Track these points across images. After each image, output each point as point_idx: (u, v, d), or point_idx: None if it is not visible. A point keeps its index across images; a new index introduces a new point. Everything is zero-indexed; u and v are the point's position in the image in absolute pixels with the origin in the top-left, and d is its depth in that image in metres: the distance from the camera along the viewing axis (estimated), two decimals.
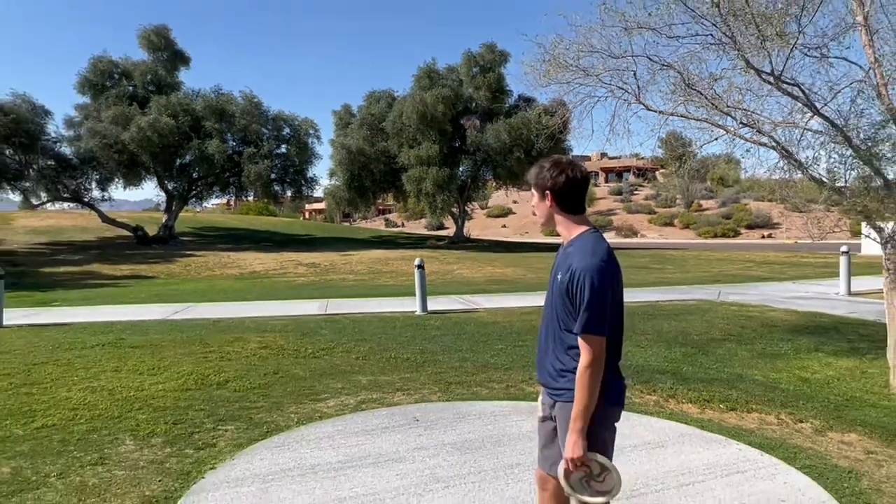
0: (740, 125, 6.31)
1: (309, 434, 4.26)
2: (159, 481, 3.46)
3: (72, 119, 28.18)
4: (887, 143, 5.91)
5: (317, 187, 32.62)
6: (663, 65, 6.42)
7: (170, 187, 29.61)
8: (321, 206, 63.71)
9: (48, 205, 29.78)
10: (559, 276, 2.15)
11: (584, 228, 2.18)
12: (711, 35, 6.00)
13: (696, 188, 57.98)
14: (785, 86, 5.85)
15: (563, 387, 2.14)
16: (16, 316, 9.58)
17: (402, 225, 70.12)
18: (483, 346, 7.24)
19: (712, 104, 6.23)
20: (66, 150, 27.12)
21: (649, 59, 6.48)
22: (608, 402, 2.13)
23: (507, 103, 32.34)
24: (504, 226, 63.49)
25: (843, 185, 6.19)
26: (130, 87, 28.62)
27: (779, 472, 3.58)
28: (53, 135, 26.80)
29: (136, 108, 26.48)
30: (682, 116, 6.66)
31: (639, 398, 5.09)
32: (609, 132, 7.33)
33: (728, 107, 6.25)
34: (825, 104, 6.01)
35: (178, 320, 9.33)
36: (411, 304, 10.38)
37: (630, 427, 4.27)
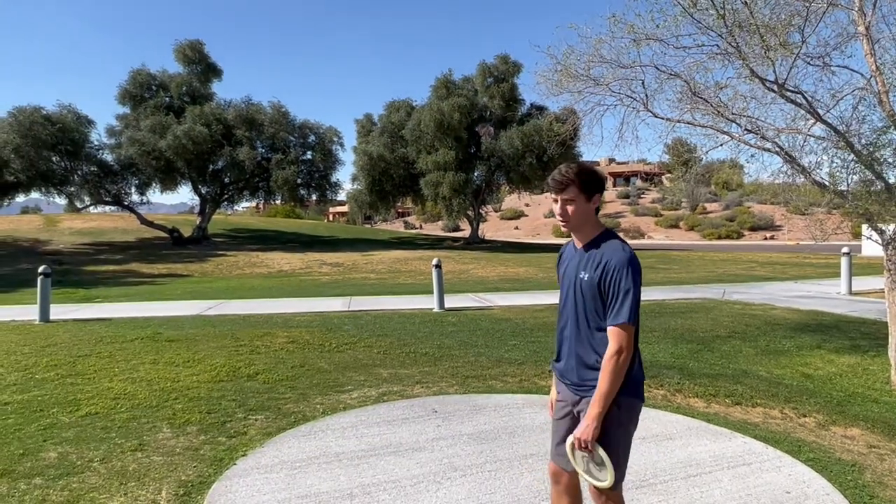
0: (745, 132, 6.23)
1: (334, 424, 4.28)
2: (194, 467, 3.49)
3: (113, 128, 28.60)
4: (888, 149, 5.80)
5: (340, 191, 32.86)
6: (670, 74, 6.35)
7: (203, 191, 29.93)
8: (344, 209, 63.94)
9: (91, 208, 30.29)
10: (584, 275, 2.11)
11: (604, 228, 2.19)
12: (717, 45, 5.93)
13: (700, 192, 57.36)
14: (788, 93, 5.76)
15: (593, 383, 2.10)
16: (61, 311, 9.73)
17: (420, 227, 70.19)
18: (497, 341, 7.22)
19: (718, 112, 6.16)
20: (108, 157, 27.56)
21: (657, 68, 6.42)
22: (638, 397, 2.13)
23: (520, 111, 32.27)
24: (517, 227, 63.33)
25: (845, 188, 6.08)
26: (167, 98, 28.99)
27: (784, 464, 3.52)
28: (96, 143, 27.26)
29: (172, 118, 26.82)
30: (688, 123, 6.59)
31: (647, 392, 5.01)
32: (618, 139, 7.28)
33: (733, 114, 6.18)
34: (828, 111, 5.92)
35: (210, 316, 9.41)
36: (429, 302, 10.38)
37: (639, 420, 4.22)
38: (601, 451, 2.07)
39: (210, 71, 30.36)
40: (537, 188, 33.83)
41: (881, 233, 5.83)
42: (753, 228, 49.30)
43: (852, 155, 5.79)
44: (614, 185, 76.06)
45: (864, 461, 3.59)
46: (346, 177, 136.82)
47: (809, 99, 5.80)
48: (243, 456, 3.67)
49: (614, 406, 2.06)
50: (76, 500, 3.06)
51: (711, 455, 3.65)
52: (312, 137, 30.33)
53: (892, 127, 5.47)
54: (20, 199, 28.53)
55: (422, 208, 45.84)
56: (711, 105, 6.12)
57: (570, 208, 2.13)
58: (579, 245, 2.21)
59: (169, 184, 29.57)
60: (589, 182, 2.12)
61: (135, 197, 28.90)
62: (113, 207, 30.06)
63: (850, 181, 6.13)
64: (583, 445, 2.05)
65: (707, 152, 6.94)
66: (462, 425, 4.23)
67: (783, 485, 3.23)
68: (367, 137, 33.94)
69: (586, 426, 2.03)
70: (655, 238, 51.07)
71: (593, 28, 6.66)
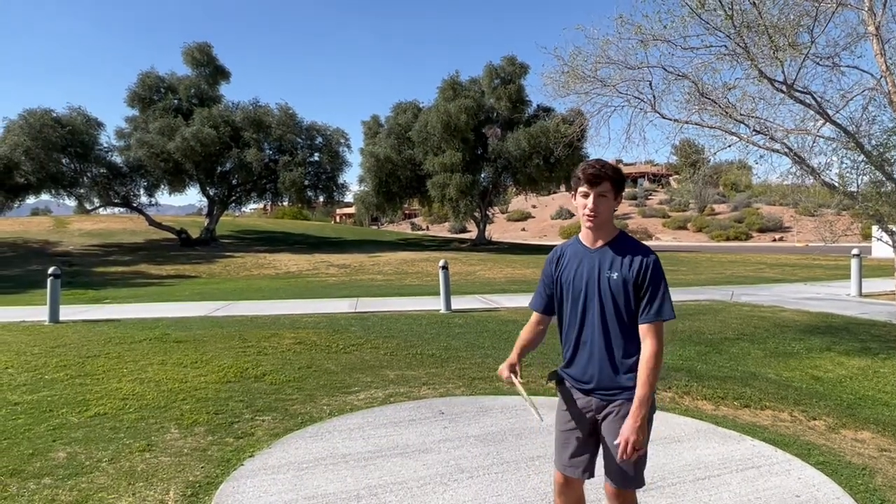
0: (753, 132, 6.20)
1: (340, 425, 4.28)
2: (202, 467, 3.50)
3: (122, 130, 28.81)
4: None
5: (347, 193, 32.88)
6: (678, 75, 6.33)
7: (211, 193, 30.08)
8: (351, 210, 64.05)
9: (100, 209, 30.49)
10: (614, 275, 2.08)
11: (619, 229, 2.20)
12: (725, 46, 5.91)
13: (708, 193, 57.11)
14: (797, 94, 5.73)
15: (624, 385, 2.11)
16: (71, 312, 9.79)
17: (427, 228, 70.22)
18: (504, 343, 7.20)
19: (726, 112, 6.13)
20: (117, 158, 27.72)
21: (665, 69, 6.40)
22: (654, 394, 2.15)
23: (527, 113, 32.24)
24: (523, 229, 63.25)
25: (855, 189, 6.04)
26: (175, 101, 29.14)
27: (793, 467, 3.49)
28: (105, 145, 27.44)
29: (180, 120, 26.96)
30: (696, 124, 6.57)
31: (655, 395, 5.01)
32: (625, 140, 7.27)
33: (741, 115, 6.15)
34: (837, 111, 5.88)
35: (218, 317, 9.45)
36: (436, 303, 10.38)
37: None
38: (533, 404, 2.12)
39: (218, 73, 30.51)
40: (544, 190, 33.80)
41: (892, 234, 5.78)
42: (762, 230, 49.01)
43: (862, 156, 5.75)
44: None
45: (874, 465, 3.56)
46: (353, 178, 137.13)
47: (819, 99, 5.77)
48: (250, 457, 3.67)
49: (650, 407, 2.09)
50: (85, 500, 3.08)
51: (720, 458, 3.63)
52: (320, 139, 30.42)
53: None
54: (30, 200, 28.81)
55: (428, 210, 45.84)
56: (719, 106, 6.10)
57: (602, 204, 2.09)
58: (595, 244, 2.16)
59: (177, 185, 29.71)
60: (620, 180, 2.14)
61: (143, 198, 29.10)
62: (122, 209, 30.25)
63: (860, 182, 6.09)
64: (635, 448, 2.00)
65: (715, 153, 6.92)
66: (469, 427, 4.22)
67: (793, 488, 3.20)
68: (373, 139, 34.00)
69: (637, 428, 1.99)
70: (663, 239, 50.87)
71: (600, 29, 6.66)
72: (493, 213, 43.77)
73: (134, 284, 16.21)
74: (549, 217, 63.99)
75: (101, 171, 26.83)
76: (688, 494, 3.13)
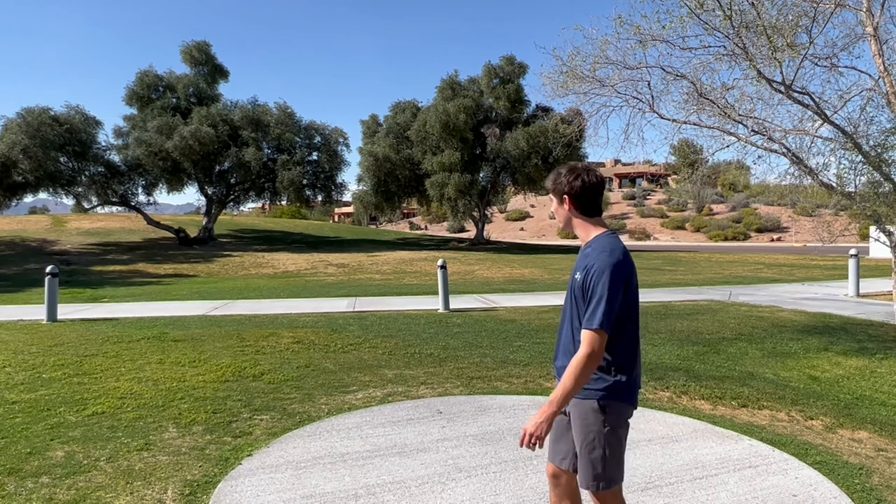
0: (752, 133, 6.21)
1: (339, 424, 4.28)
2: (200, 466, 3.50)
3: (120, 129, 28.75)
4: None
5: (346, 192, 32.82)
6: (677, 75, 6.34)
7: (209, 192, 30.04)
8: (350, 209, 64.09)
9: (98, 208, 30.42)
10: (578, 276, 2.13)
11: (600, 230, 2.17)
12: (724, 46, 5.92)
13: (707, 193, 57.17)
14: (796, 95, 5.74)
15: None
16: (69, 311, 9.78)
17: (426, 228, 70.23)
18: (502, 342, 7.21)
19: (724, 113, 6.14)
20: (115, 157, 27.66)
21: (663, 69, 6.41)
22: (630, 403, 2.13)
23: (526, 113, 32.27)
24: (522, 229, 63.27)
25: (852, 190, 6.06)
26: (174, 99, 29.09)
27: (790, 467, 3.50)
28: (103, 144, 27.35)
29: (178, 119, 26.91)
30: (694, 125, 6.58)
31: (652, 394, 5.02)
32: (624, 140, 7.27)
33: (740, 115, 6.16)
34: (835, 112, 5.89)
35: (216, 316, 9.44)
36: (434, 303, 10.39)
37: (644, 422, 4.22)
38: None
39: (216, 72, 30.46)
40: (543, 189, 33.76)
41: (889, 234, 5.79)
42: (760, 230, 49.09)
43: (860, 156, 5.77)
44: (620, 187, 75.91)
45: (871, 464, 3.57)
46: (352, 178, 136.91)
47: (817, 100, 5.78)
48: (249, 456, 3.68)
49: (601, 410, 2.07)
50: (83, 499, 3.07)
51: (717, 457, 3.64)
52: (318, 138, 30.39)
53: None
54: (28, 199, 28.71)
55: (427, 209, 45.93)
56: (718, 106, 6.11)
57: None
58: (581, 244, 2.25)
59: (175, 184, 29.65)
60: (554, 188, 2.21)
61: (141, 197, 29.05)
62: (120, 208, 30.19)
63: (857, 183, 6.11)
64: (531, 440, 2.01)
65: (713, 153, 6.93)
66: (467, 426, 4.23)
67: (790, 488, 3.21)
68: (372, 138, 33.99)
69: (538, 423, 2.01)
70: (661, 239, 50.93)
71: (599, 29, 6.67)
72: (491, 213, 43.74)
73: (132, 283, 16.19)
74: (547, 217, 64.00)
75: (100, 169, 26.77)
76: (685, 494, 3.14)
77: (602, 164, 72.36)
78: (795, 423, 4.36)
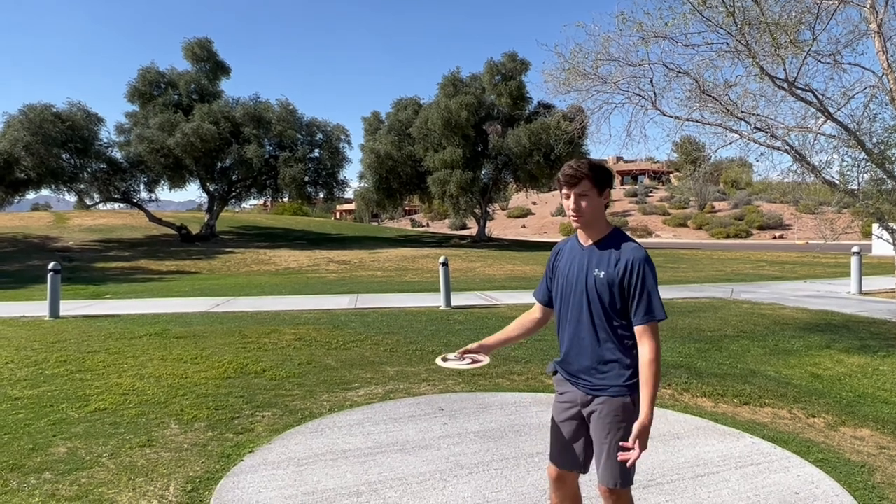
0: (754, 130, 6.19)
1: (340, 421, 4.29)
2: (202, 463, 3.51)
3: (122, 126, 28.75)
4: None
5: (347, 189, 32.84)
6: (679, 72, 6.32)
7: (211, 189, 30.04)
8: (351, 206, 64.06)
9: (100, 205, 30.47)
10: (600, 273, 2.07)
11: (613, 226, 2.17)
12: (726, 43, 5.90)
13: (709, 190, 57.11)
14: (799, 91, 5.72)
15: (609, 382, 2.07)
16: (71, 307, 9.79)
17: (427, 225, 70.22)
18: None
19: (727, 110, 6.12)
20: (117, 154, 27.70)
21: (666, 66, 6.39)
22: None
23: (528, 110, 32.24)
24: (524, 226, 63.25)
25: (855, 187, 6.04)
26: (176, 96, 29.10)
27: (792, 464, 3.50)
28: (106, 140, 27.39)
29: (180, 116, 26.92)
30: (697, 122, 6.56)
31: None
32: (626, 137, 7.27)
33: (742, 112, 6.14)
34: (838, 109, 5.87)
35: (218, 313, 9.45)
36: (436, 300, 10.39)
37: None
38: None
39: (218, 69, 30.44)
40: (545, 186, 33.81)
41: (892, 232, 5.78)
42: (762, 227, 49.03)
43: (863, 154, 5.75)
44: (622, 184, 75.80)
45: (873, 462, 3.57)
46: (354, 175, 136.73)
47: (820, 97, 5.76)
48: (250, 452, 3.68)
49: (633, 407, 2.05)
50: (85, 495, 3.08)
51: (719, 455, 3.64)
52: (320, 135, 30.37)
53: None
54: (30, 196, 28.77)
55: (429, 206, 45.89)
56: (720, 103, 6.09)
57: (584, 203, 2.09)
58: (588, 242, 2.16)
59: (177, 181, 29.66)
60: (601, 177, 2.10)
61: (143, 194, 29.09)
62: (122, 205, 30.23)
63: (860, 180, 6.09)
64: (642, 450, 1.98)
65: (716, 151, 6.91)
66: (468, 423, 4.23)
67: (792, 485, 3.21)
68: (374, 135, 33.98)
69: (645, 440, 1.96)
70: (663, 237, 50.87)
71: (601, 26, 6.65)
72: (493, 210, 43.78)
73: (134, 280, 16.21)
74: (549, 214, 63.99)
75: (102, 166, 26.80)
76: (687, 491, 3.14)
77: (604, 161, 72.16)
78: (797, 420, 4.35)
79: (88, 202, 29.09)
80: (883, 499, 3.09)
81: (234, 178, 29.91)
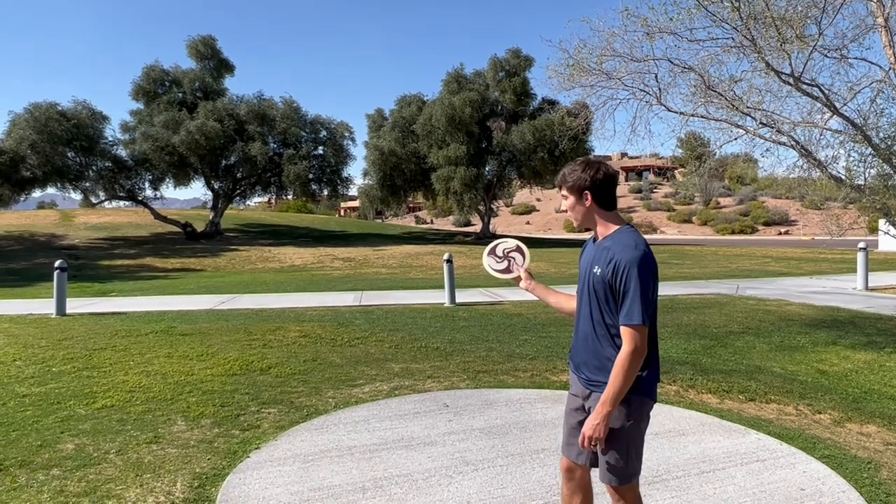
0: (760, 125, 6.16)
1: (345, 417, 4.30)
2: (208, 459, 3.53)
3: (127, 124, 28.83)
4: None
5: (351, 186, 32.88)
6: (684, 68, 6.30)
7: (216, 187, 30.11)
8: (355, 204, 64.12)
9: (106, 203, 30.54)
10: (597, 270, 2.10)
11: (620, 224, 2.16)
12: (732, 38, 5.87)
13: (714, 186, 56.90)
14: (805, 86, 5.69)
15: (603, 379, 2.09)
16: (77, 305, 9.85)
17: (431, 222, 70.22)
18: (509, 336, 7.21)
19: (732, 105, 6.10)
20: (122, 152, 27.74)
21: (670, 62, 6.36)
22: (650, 397, 2.13)
23: (532, 106, 32.14)
24: (528, 222, 63.17)
25: (862, 183, 6.01)
26: (180, 94, 29.14)
27: (798, 461, 3.49)
28: (110, 138, 27.45)
29: (185, 114, 26.98)
30: (702, 117, 6.54)
31: (659, 388, 4.99)
32: (630, 133, 7.25)
33: (748, 108, 6.11)
34: (845, 104, 5.84)
35: (224, 310, 9.49)
36: (440, 297, 10.39)
37: (651, 415, 4.19)
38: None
39: (222, 67, 30.50)
40: (549, 183, 33.73)
41: None
42: (768, 223, 48.82)
43: (870, 149, 5.71)
44: (626, 180, 75.57)
45: (880, 458, 3.56)
46: (358, 172, 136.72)
47: (826, 92, 5.73)
48: (257, 449, 3.70)
49: (625, 404, 2.05)
50: (93, 491, 3.10)
51: (725, 451, 3.63)
52: (324, 132, 30.39)
53: None
54: (36, 194, 28.86)
55: (433, 203, 45.83)
56: (726, 99, 6.06)
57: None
58: (596, 239, 2.21)
59: (182, 179, 29.72)
60: (574, 184, 2.15)
61: (148, 192, 29.13)
62: (127, 202, 30.29)
63: (867, 175, 6.06)
64: (591, 443, 2.05)
65: (721, 146, 6.89)
66: (473, 420, 4.24)
67: (798, 482, 3.21)
68: (378, 132, 33.96)
69: (594, 425, 2.02)
70: (668, 233, 50.74)
71: (606, 21, 6.63)
72: (497, 207, 43.68)
73: (139, 278, 16.28)
74: (553, 210, 63.87)
75: (107, 164, 26.88)
76: (693, 487, 3.14)
77: (609, 157, 71.95)
78: (803, 416, 4.35)
79: (94, 200, 29.19)
80: (890, 495, 3.08)
81: (238, 175, 29.96)
